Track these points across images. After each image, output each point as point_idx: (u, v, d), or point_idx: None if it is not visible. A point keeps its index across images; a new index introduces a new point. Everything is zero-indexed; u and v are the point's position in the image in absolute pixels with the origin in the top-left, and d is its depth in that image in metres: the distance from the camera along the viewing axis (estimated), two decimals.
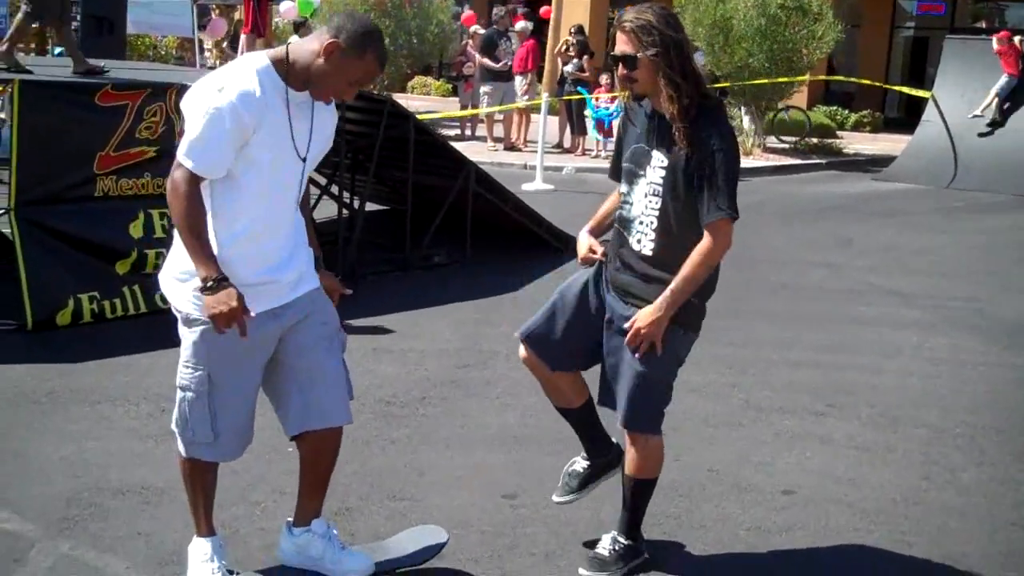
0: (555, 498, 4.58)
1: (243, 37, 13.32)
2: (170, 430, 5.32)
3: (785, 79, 17.92)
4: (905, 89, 21.38)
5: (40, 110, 7.07)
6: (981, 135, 16.92)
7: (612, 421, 4.27)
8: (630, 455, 4.19)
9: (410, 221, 9.64)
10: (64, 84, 7.51)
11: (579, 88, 18.05)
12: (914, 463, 5.51)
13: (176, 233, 3.59)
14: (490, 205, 10.00)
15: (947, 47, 18.43)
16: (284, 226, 3.68)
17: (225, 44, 22.53)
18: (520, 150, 18.36)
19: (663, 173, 3.90)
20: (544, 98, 16.33)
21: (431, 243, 9.76)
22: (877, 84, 21.93)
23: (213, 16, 24.23)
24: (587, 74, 18.48)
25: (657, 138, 3.94)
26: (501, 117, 18.75)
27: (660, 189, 3.91)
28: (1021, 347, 7.74)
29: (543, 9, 22.93)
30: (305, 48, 3.54)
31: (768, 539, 4.59)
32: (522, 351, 4.37)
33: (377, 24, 3.68)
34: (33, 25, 8.73)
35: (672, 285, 3.89)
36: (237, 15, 22.86)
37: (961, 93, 17.39)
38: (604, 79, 18.63)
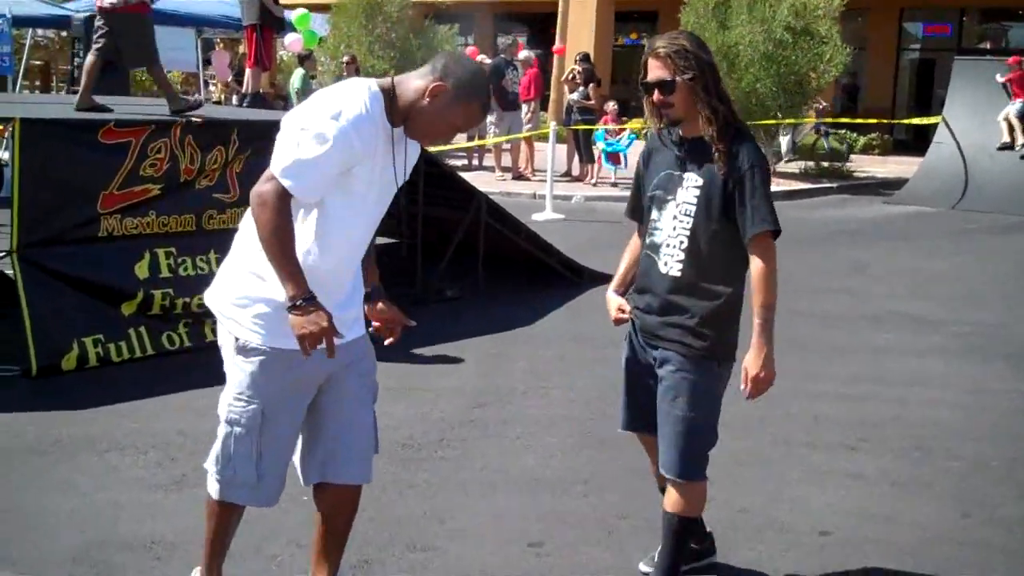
0: (641, 567, 4.41)
1: (248, 71, 13.22)
2: (177, 478, 5.23)
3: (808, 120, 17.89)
4: (915, 120, 21.28)
5: (41, 149, 6.91)
6: (995, 153, 16.80)
7: None
8: (672, 496, 4.04)
9: (421, 254, 9.48)
10: (65, 122, 7.37)
11: (585, 117, 17.94)
12: (951, 498, 5.30)
13: (232, 258, 3.44)
14: (502, 236, 9.84)
15: (956, 68, 18.30)
16: (356, 261, 3.54)
17: (230, 79, 22.44)
18: (528, 179, 18.22)
19: (696, 193, 3.88)
20: (552, 127, 16.20)
21: (443, 276, 9.59)
22: (893, 121, 21.78)
23: (217, 49, 24.18)
24: (593, 102, 18.35)
25: (689, 162, 3.92)
26: (508, 147, 18.62)
27: (692, 209, 3.88)
28: None
29: (556, 47, 22.89)
30: (410, 85, 3.40)
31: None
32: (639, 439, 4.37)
33: (485, 71, 3.53)
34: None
35: (756, 320, 3.85)
36: (241, 48, 22.81)
37: (971, 114, 17.26)
38: (610, 107, 18.51)
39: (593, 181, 17.98)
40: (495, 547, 4.64)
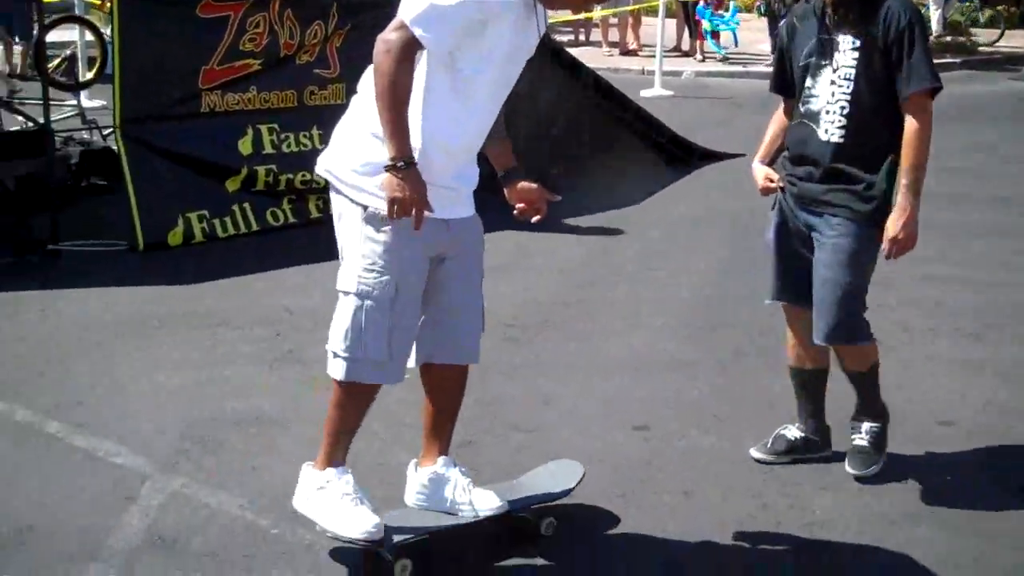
0: (752, 452, 4.29)
1: None
2: (283, 355, 5.21)
3: None
4: None
5: (141, 25, 6.82)
6: None
7: None
8: (843, 356, 4.14)
9: (526, 132, 9.25)
10: None
11: None
12: None
13: (349, 123, 3.30)
14: (608, 114, 9.55)
15: None
16: (481, 133, 3.37)
17: None
18: (637, 54, 17.73)
19: (855, 56, 3.84)
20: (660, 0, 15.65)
21: (547, 156, 9.36)
22: None
23: None
24: None
25: (842, 25, 3.86)
26: (616, 21, 18.11)
27: (851, 72, 3.85)
28: None
29: None
30: None
31: (927, 476, 4.18)
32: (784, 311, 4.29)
33: None
34: None
35: (903, 180, 3.83)
36: None
37: None
38: None
39: (700, 57, 17.42)
40: (600, 430, 4.53)
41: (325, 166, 3.36)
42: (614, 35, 18.31)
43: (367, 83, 3.25)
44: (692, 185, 9.34)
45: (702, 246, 7.39)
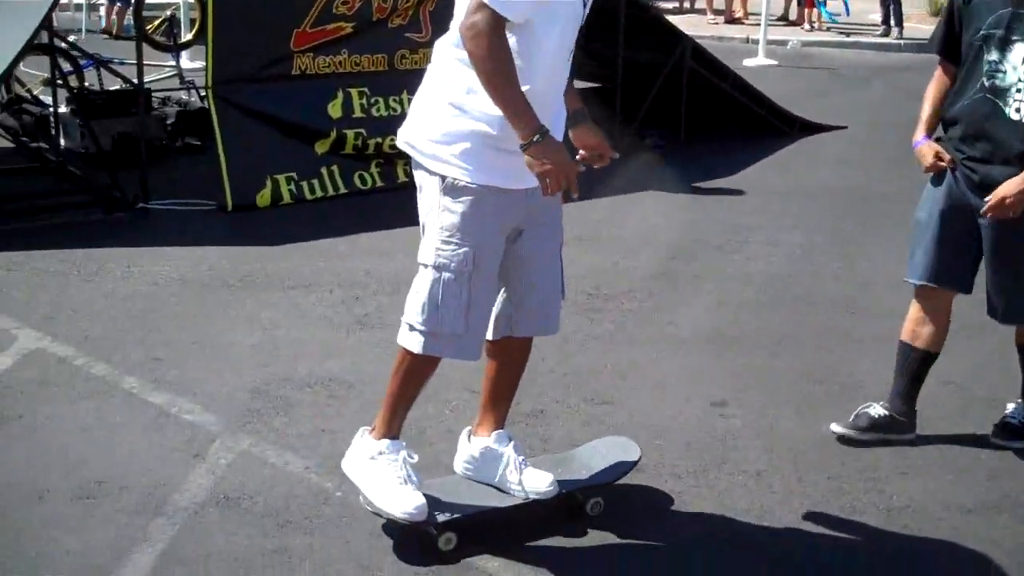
0: (833, 427, 4.17)
1: None
2: (359, 318, 5.20)
3: None
4: None
5: None
6: None
7: None
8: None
9: (620, 100, 9.11)
10: None
11: None
12: None
13: (426, 93, 3.22)
14: (707, 83, 9.36)
15: None
16: (561, 88, 3.28)
17: None
18: (742, 23, 17.39)
19: None
20: None
21: (643, 124, 9.22)
22: None
23: None
24: None
25: None
26: None
27: None
28: None
29: None
30: None
31: (1012, 463, 4.00)
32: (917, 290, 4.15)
33: None
34: None
35: None
36: None
37: None
38: None
39: (808, 27, 17.00)
40: (676, 404, 4.42)
41: (404, 138, 3.30)
42: (720, 3, 17.99)
43: (442, 52, 3.18)
44: (790, 157, 9.11)
45: (795, 220, 7.19)
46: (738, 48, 14.65)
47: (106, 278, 5.64)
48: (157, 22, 10.27)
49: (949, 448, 4.11)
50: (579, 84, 10.51)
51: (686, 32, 9.59)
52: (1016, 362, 4.16)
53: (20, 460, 3.78)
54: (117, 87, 8.47)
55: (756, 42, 14.43)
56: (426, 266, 3.22)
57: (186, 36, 10.45)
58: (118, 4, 14.52)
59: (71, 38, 10.20)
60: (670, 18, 10.79)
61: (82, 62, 8.82)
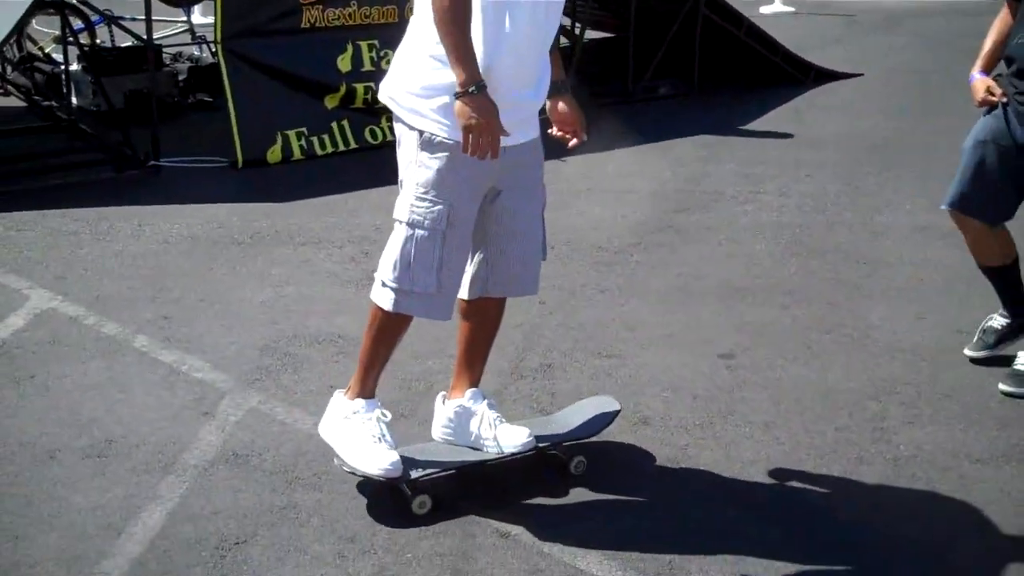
0: (968, 352, 4.36)
1: None
2: (368, 274, 5.12)
3: None
4: None
5: None
6: None
7: None
8: None
9: (633, 49, 9.04)
10: None
11: None
12: None
13: (408, 45, 3.16)
14: (721, 31, 9.27)
15: None
16: (540, 55, 3.19)
17: None
18: None
19: None
20: None
21: (656, 73, 9.15)
22: None
23: None
24: None
25: None
26: None
27: None
28: None
29: None
30: None
31: (1023, 413, 4.00)
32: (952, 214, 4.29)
33: None
34: None
35: None
36: None
37: None
38: None
39: None
40: (684, 357, 4.42)
41: (386, 91, 3.26)
42: None
43: (424, 5, 3.11)
44: (804, 106, 9.03)
45: (808, 170, 7.14)
46: None
47: (117, 237, 5.66)
48: None
49: (958, 398, 4.10)
50: (591, 34, 10.48)
51: None
52: None
53: (32, 419, 3.81)
54: (129, 44, 8.45)
55: None
56: (400, 222, 3.19)
57: None
58: None
59: None
60: None
61: (93, 19, 8.79)
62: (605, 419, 3.63)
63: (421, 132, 3.13)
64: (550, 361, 4.35)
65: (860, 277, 5.32)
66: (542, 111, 3.32)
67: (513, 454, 3.45)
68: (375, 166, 6.85)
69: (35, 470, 3.49)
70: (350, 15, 7.22)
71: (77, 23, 8.32)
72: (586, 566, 3.08)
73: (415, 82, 3.13)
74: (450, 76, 3.02)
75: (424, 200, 3.14)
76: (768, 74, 9.57)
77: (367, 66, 7.22)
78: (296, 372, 4.24)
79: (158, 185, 6.58)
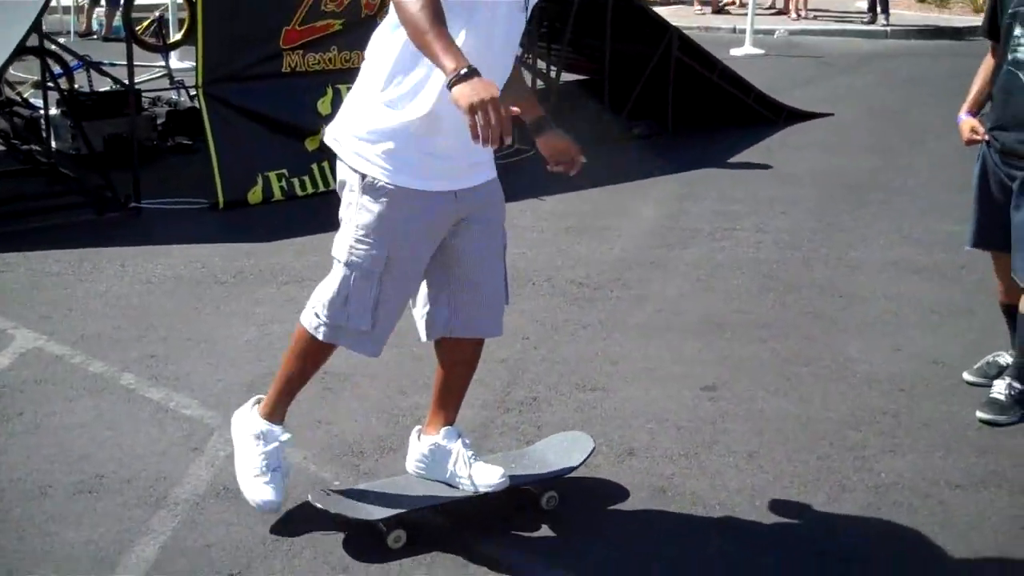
0: (967, 375, 4.53)
1: None
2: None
3: None
4: None
5: None
6: None
7: None
8: None
9: (608, 91, 9.18)
10: None
11: None
12: None
13: (359, 89, 3.12)
14: (694, 73, 9.42)
15: None
16: (498, 84, 3.03)
17: None
18: (729, 12, 17.46)
19: None
20: None
21: (631, 115, 9.29)
22: None
23: None
24: None
25: None
26: None
27: None
28: None
29: None
30: None
31: (1000, 440, 4.07)
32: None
33: None
34: None
35: None
36: None
37: None
38: None
39: (795, 15, 17.07)
40: (667, 390, 4.48)
41: (331, 134, 3.24)
42: None
43: (375, 48, 3.12)
44: (777, 145, 9.18)
45: (783, 207, 7.25)
46: (725, 38, 14.72)
47: (100, 277, 5.69)
48: (146, 23, 10.31)
49: (937, 426, 4.18)
50: (567, 77, 10.61)
51: (673, 23, 9.64)
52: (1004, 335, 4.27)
53: (21, 457, 3.83)
54: (107, 88, 8.51)
55: (743, 32, 14.49)
56: (339, 262, 3.20)
57: (175, 36, 10.48)
58: (104, 6, 14.55)
59: (60, 40, 10.21)
60: (657, 9, 10.83)
61: (72, 64, 8.85)
62: (581, 456, 3.64)
63: (364, 176, 3.12)
64: (535, 394, 4.41)
65: (836, 311, 5.41)
66: (500, 151, 3.23)
67: (486, 493, 3.46)
68: None
69: (26, 506, 3.51)
70: (330, 59, 7.32)
71: (56, 68, 8.38)
72: None
73: (362, 126, 3.11)
74: (399, 118, 3.03)
75: (363, 243, 3.14)
76: (741, 115, 9.72)
77: None
78: None
79: (139, 227, 6.62)
